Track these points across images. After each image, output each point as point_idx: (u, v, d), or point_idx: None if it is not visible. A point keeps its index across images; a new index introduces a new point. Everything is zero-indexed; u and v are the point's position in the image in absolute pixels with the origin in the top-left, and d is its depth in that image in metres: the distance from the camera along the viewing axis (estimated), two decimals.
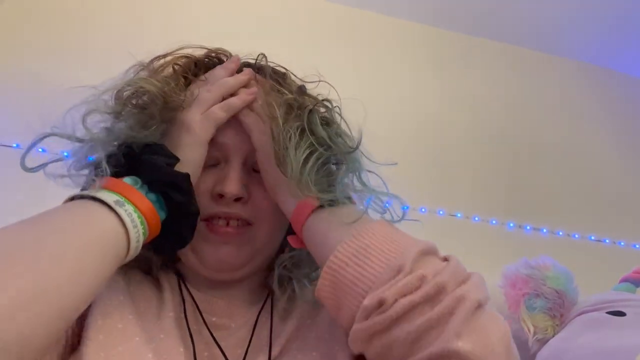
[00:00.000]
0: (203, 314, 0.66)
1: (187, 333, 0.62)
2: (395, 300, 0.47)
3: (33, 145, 0.61)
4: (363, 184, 0.65)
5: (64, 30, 1.53)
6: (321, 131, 0.63)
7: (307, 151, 0.61)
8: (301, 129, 0.63)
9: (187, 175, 0.60)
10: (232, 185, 0.64)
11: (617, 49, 2.05)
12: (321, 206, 0.59)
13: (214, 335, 0.63)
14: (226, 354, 0.61)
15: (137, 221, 0.55)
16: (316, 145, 0.62)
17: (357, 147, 0.65)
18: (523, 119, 1.91)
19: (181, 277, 0.70)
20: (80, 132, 0.62)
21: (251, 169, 0.68)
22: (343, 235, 0.54)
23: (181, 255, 0.69)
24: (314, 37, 1.79)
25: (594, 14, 1.92)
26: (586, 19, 1.94)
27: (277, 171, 0.62)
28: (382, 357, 0.50)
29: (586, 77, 2.08)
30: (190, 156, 0.62)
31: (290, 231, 0.72)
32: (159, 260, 0.69)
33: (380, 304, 0.48)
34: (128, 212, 0.54)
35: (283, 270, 0.68)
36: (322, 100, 0.69)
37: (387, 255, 0.51)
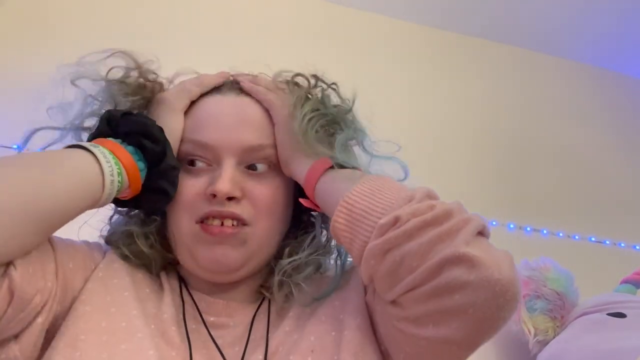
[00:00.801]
0: (202, 314, 0.66)
1: (185, 332, 0.62)
2: (409, 219, 0.52)
3: (26, 141, 0.68)
4: (366, 151, 0.71)
5: (65, 32, 1.53)
6: (324, 100, 0.71)
7: (309, 110, 0.68)
8: (305, 97, 0.70)
9: (160, 127, 0.64)
10: (223, 183, 0.64)
11: (618, 51, 2.05)
12: (332, 168, 0.64)
13: (213, 334, 0.64)
14: (224, 352, 0.62)
15: (112, 160, 0.59)
16: (317, 109, 0.69)
17: (351, 108, 0.72)
18: (524, 120, 1.91)
19: (183, 281, 0.70)
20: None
21: (248, 169, 0.68)
22: (355, 183, 0.59)
23: (179, 257, 0.69)
24: (313, 38, 1.79)
25: (595, 16, 1.92)
26: (588, 21, 1.94)
27: (293, 137, 0.67)
28: (391, 274, 0.53)
29: (588, 78, 2.08)
30: (164, 122, 0.66)
31: (290, 231, 0.73)
32: (160, 260, 0.70)
33: (396, 221, 0.53)
34: (101, 151, 0.59)
35: (283, 277, 0.67)
36: (331, 84, 0.74)
37: (397, 192, 0.57)
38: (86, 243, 0.68)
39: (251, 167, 0.68)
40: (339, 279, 0.68)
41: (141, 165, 0.62)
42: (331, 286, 0.67)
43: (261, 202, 0.66)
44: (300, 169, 0.66)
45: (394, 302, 0.55)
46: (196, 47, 1.56)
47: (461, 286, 0.49)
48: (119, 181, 0.59)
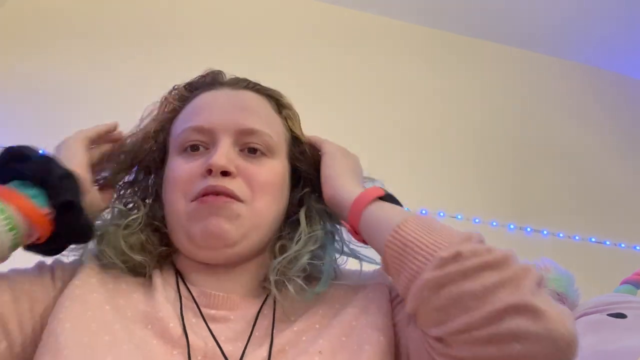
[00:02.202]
0: (202, 308, 0.65)
1: (182, 329, 0.61)
2: (470, 257, 0.51)
3: None
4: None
5: (65, 33, 1.53)
6: None
7: None
8: None
9: (57, 161, 0.60)
10: (218, 157, 0.65)
11: (618, 51, 2.05)
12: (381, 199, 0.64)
13: (212, 327, 0.63)
14: (224, 347, 0.61)
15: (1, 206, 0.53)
16: None
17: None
18: (524, 121, 1.91)
19: (180, 275, 0.69)
20: None
21: (243, 151, 0.69)
22: (407, 215, 0.60)
23: (176, 242, 0.69)
24: (312, 39, 1.79)
25: (595, 17, 1.91)
26: (588, 22, 1.94)
27: (345, 163, 0.71)
28: (442, 310, 0.52)
29: (589, 79, 2.08)
30: (63, 155, 0.65)
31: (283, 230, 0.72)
32: (154, 260, 0.69)
33: (457, 256, 0.52)
34: None
35: (277, 276, 0.66)
36: None
37: (452, 230, 0.57)
38: (36, 271, 0.66)
39: (247, 151, 0.69)
40: (330, 271, 0.68)
41: (43, 204, 0.57)
42: (324, 278, 0.67)
43: (256, 181, 0.68)
44: (348, 196, 0.66)
45: (439, 339, 0.54)
46: (195, 47, 1.56)
47: (523, 336, 0.48)
48: (10, 229, 0.54)
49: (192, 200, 0.66)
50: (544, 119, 1.94)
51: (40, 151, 0.62)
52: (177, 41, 1.50)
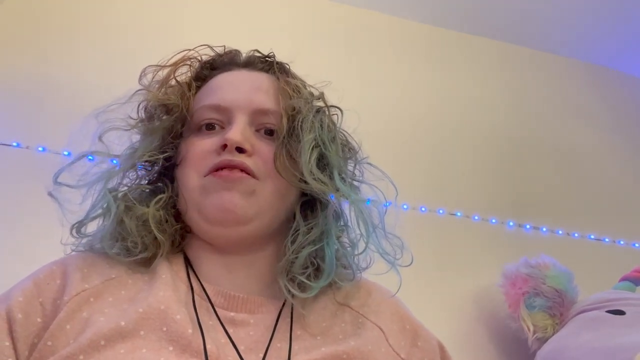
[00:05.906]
0: (218, 310, 0.62)
1: (201, 336, 0.57)
2: None
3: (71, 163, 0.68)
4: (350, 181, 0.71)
5: (65, 29, 1.53)
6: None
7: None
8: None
9: None
10: (234, 133, 0.64)
11: (617, 48, 2.05)
12: None
13: (232, 333, 0.60)
14: (245, 357, 0.58)
15: None
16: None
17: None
18: (523, 118, 1.91)
19: (190, 265, 0.67)
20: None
21: (260, 131, 0.68)
22: None
23: (188, 221, 0.67)
24: (308, 34, 1.79)
25: (597, 14, 1.91)
26: (590, 19, 1.94)
27: None
28: None
29: (586, 76, 2.07)
30: None
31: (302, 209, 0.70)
32: (168, 242, 0.66)
33: None
34: None
35: (286, 277, 0.64)
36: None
37: None
38: (33, 289, 0.61)
39: (263, 132, 0.68)
40: (332, 263, 0.64)
41: None
42: (327, 270, 0.64)
43: (272, 162, 0.66)
44: None
45: None
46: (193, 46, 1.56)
47: None
48: None
49: (206, 175, 0.64)
50: (544, 116, 1.94)
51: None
52: (180, 41, 1.50)
